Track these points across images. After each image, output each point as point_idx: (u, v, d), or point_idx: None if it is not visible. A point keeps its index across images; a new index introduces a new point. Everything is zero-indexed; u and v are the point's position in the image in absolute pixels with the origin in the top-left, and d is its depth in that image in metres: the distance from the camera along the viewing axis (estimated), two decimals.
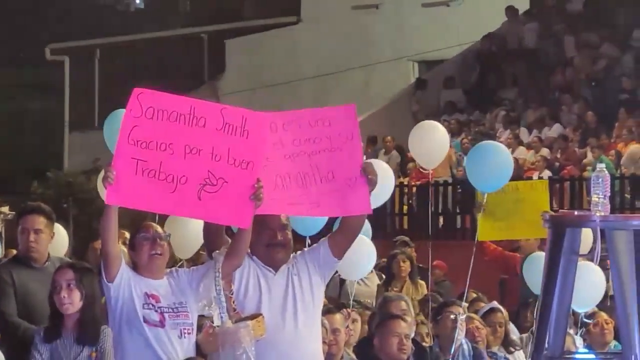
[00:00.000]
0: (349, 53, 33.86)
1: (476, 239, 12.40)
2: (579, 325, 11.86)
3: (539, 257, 11.53)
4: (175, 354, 8.51)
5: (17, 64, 40.59)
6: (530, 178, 21.96)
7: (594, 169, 9.59)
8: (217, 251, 8.53)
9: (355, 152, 8.57)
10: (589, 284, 10.46)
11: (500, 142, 26.08)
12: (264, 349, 8.27)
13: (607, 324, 11.79)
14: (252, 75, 32.34)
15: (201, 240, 9.81)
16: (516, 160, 25.12)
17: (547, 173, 23.97)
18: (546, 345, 7.30)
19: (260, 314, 8.32)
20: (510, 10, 32.55)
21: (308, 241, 9.91)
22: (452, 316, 11.27)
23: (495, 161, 11.83)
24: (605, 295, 13.05)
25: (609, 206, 7.32)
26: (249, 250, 8.48)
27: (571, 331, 11.04)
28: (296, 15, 36.44)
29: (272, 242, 8.50)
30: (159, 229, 8.91)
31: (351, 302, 11.87)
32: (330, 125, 8.61)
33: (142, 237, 8.62)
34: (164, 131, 8.34)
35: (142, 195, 8.41)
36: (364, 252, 11.44)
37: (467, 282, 12.57)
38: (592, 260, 9.95)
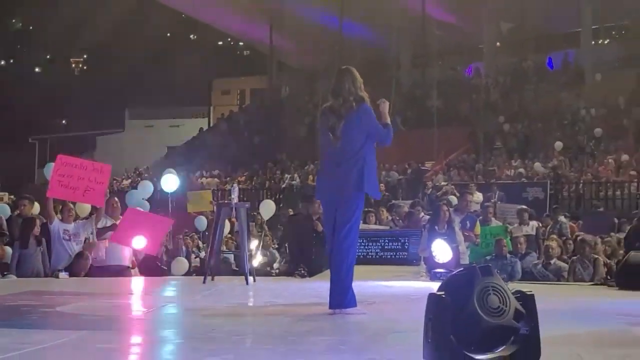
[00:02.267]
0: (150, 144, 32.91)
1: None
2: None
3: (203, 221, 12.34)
4: (73, 251, 8.48)
5: None
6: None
7: (232, 185, 10.02)
8: (93, 215, 8.85)
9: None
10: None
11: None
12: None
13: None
14: (109, 152, 30.91)
15: (88, 210, 9.65)
16: (202, 183, 23.88)
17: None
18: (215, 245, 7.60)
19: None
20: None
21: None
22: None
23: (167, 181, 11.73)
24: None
25: (237, 199, 7.59)
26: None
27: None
28: (122, 128, 35.79)
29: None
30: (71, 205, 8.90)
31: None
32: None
33: (65, 209, 8.80)
34: (68, 171, 8.39)
35: (60, 193, 8.47)
36: None
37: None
38: (232, 217, 9.35)
